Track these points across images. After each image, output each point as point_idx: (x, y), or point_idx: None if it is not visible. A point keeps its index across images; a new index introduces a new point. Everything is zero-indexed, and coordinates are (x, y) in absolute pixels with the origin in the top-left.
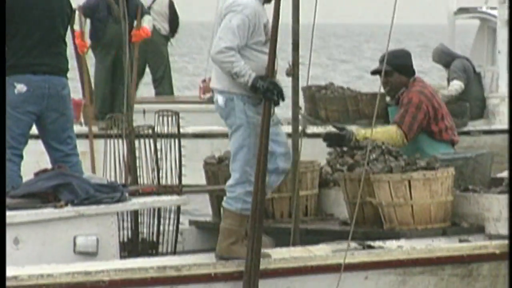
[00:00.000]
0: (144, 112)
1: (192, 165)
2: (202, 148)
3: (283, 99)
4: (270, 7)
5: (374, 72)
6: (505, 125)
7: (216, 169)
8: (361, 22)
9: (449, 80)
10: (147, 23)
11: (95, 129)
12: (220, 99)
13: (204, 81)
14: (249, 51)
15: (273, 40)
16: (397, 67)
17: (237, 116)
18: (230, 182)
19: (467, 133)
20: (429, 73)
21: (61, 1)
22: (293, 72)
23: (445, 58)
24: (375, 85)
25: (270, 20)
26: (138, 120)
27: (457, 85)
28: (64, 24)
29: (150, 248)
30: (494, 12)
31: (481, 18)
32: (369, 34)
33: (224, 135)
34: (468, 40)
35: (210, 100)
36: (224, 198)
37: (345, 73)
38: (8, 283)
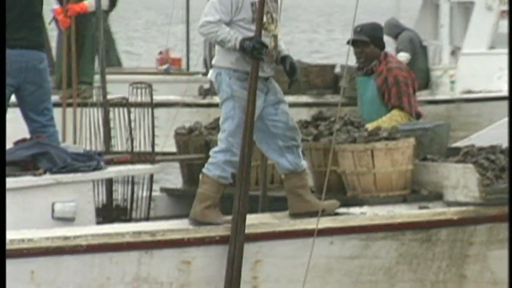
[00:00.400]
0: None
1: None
2: (160, 116)
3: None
4: None
5: (352, 42)
6: (447, 95)
7: (187, 139)
8: None
9: (397, 51)
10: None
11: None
12: (210, 73)
13: (160, 53)
14: (236, 28)
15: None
16: (373, 39)
17: (223, 90)
18: (214, 149)
19: None
20: None
21: None
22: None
23: (394, 30)
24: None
25: None
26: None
27: (403, 57)
28: (41, 0)
29: (123, 214)
30: None
31: None
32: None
33: (181, 105)
34: (413, 14)
35: (166, 71)
36: (206, 164)
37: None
38: None
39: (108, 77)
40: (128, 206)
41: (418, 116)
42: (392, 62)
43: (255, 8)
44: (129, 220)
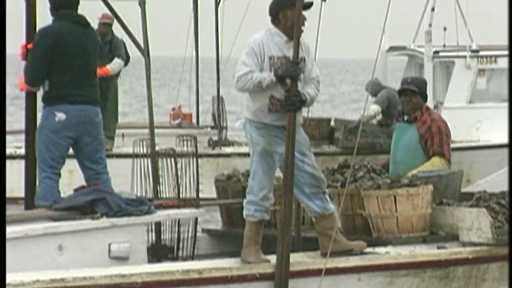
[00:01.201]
0: (123, 135)
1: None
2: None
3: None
4: None
5: (402, 90)
6: None
7: (225, 185)
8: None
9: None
10: (112, 65)
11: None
12: (239, 124)
13: (173, 109)
14: None
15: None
16: (420, 91)
17: (247, 136)
18: None
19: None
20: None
21: (93, 41)
22: None
23: (375, 89)
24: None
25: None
26: (118, 142)
27: (372, 109)
28: (95, 60)
29: (170, 253)
30: (421, 49)
31: (409, 55)
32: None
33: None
34: (398, 74)
35: (179, 125)
36: None
37: None
38: (55, 285)
39: (132, 131)
40: (175, 246)
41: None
42: (435, 114)
43: (273, 61)
44: (176, 258)
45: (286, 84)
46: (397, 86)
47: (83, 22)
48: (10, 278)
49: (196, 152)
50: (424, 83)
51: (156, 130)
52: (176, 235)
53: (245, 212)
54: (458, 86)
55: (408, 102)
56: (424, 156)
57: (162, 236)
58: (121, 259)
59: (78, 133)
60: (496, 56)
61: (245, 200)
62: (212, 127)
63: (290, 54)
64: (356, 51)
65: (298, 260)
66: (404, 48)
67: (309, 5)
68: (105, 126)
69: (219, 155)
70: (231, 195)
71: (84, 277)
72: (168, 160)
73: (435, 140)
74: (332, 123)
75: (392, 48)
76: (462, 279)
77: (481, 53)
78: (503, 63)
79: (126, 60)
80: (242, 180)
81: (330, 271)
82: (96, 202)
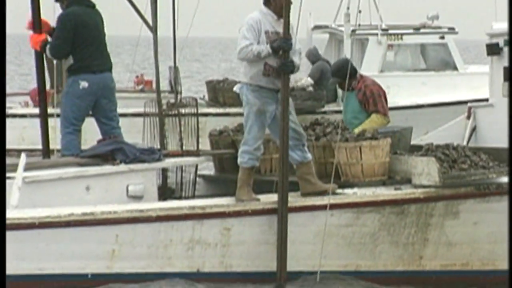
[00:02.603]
0: None
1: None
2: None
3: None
4: None
5: (331, 83)
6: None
7: (218, 139)
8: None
9: (308, 75)
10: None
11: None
12: (236, 87)
13: (137, 77)
14: None
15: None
16: (343, 76)
17: (243, 98)
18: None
19: (324, 112)
20: None
21: (101, 20)
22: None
23: (312, 58)
24: None
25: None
26: None
27: (308, 81)
28: (105, 35)
29: (173, 194)
30: (341, 28)
31: (330, 33)
32: None
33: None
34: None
35: (141, 90)
36: None
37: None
38: (86, 217)
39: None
40: (178, 188)
41: (387, 121)
42: (368, 80)
43: (268, 35)
44: (179, 198)
45: (280, 54)
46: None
47: (92, 5)
48: (48, 212)
49: (197, 112)
50: (341, 66)
51: (123, 94)
52: (180, 179)
53: (239, 160)
54: (371, 59)
55: (340, 88)
56: (366, 116)
57: (168, 180)
58: (137, 198)
59: (97, 97)
60: (402, 34)
61: (240, 150)
62: (169, 92)
63: (280, 30)
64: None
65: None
66: (326, 27)
67: None
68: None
69: (176, 115)
70: (223, 147)
71: (109, 211)
72: (173, 118)
73: (370, 101)
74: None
75: (316, 27)
76: (415, 214)
77: (390, 31)
78: (408, 39)
79: None
80: (232, 135)
81: (308, 208)
82: (115, 151)
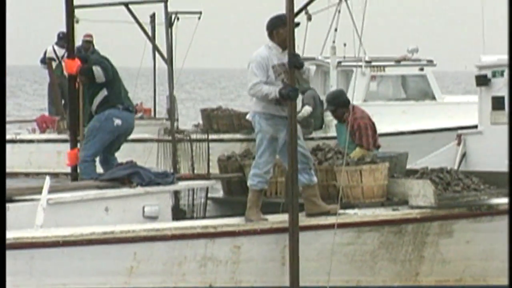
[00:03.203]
0: None
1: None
2: (137, 148)
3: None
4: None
5: (325, 110)
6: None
7: (226, 163)
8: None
9: (303, 103)
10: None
11: None
12: (249, 116)
13: (137, 105)
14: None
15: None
16: (338, 104)
17: (256, 126)
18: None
19: (311, 138)
20: None
21: None
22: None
23: (303, 86)
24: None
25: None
26: None
27: (308, 109)
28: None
29: (184, 214)
30: (327, 60)
31: (317, 64)
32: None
33: (154, 140)
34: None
35: (141, 117)
36: None
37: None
38: (107, 236)
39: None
40: (189, 209)
41: (378, 147)
42: (358, 113)
43: (275, 69)
44: (191, 218)
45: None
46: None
47: None
48: (72, 231)
49: (208, 138)
50: (337, 96)
51: None
52: (191, 200)
53: (249, 182)
54: (356, 89)
55: (333, 116)
56: (354, 147)
57: (179, 201)
58: (152, 218)
59: (119, 133)
60: (384, 66)
61: (250, 173)
62: (166, 119)
63: (285, 60)
64: None
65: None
66: (313, 58)
67: (297, 25)
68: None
69: (188, 140)
70: (231, 171)
71: (128, 230)
72: (185, 144)
73: (356, 135)
74: None
75: (303, 59)
76: (411, 233)
77: (373, 63)
78: (390, 71)
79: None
80: (239, 160)
81: (312, 227)
82: (132, 175)
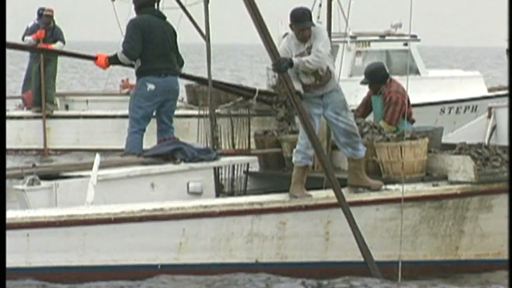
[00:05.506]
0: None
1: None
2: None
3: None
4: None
5: (362, 83)
6: None
7: (263, 138)
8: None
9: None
10: (56, 46)
11: None
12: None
13: (123, 81)
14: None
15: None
16: (374, 79)
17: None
18: None
19: None
20: None
21: (170, 29)
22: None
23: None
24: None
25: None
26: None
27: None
28: (173, 42)
29: (223, 189)
30: None
31: None
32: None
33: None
34: None
35: (128, 93)
36: None
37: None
38: (156, 213)
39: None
40: (229, 184)
41: (413, 122)
42: (393, 86)
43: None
44: (232, 193)
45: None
46: None
47: (162, 16)
48: (122, 208)
49: (249, 115)
50: (377, 70)
51: (109, 97)
52: (231, 175)
53: (294, 159)
54: (342, 64)
55: (370, 88)
56: (401, 120)
57: (220, 177)
58: (196, 194)
59: (162, 99)
60: (369, 41)
61: (294, 150)
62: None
63: (302, 50)
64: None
65: (331, 195)
66: None
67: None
68: (46, 93)
69: (228, 115)
70: (268, 146)
71: (177, 207)
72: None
73: (386, 109)
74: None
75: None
76: (452, 208)
77: (358, 38)
78: (374, 46)
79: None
80: (276, 135)
81: (356, 203)
82: (175, 151)
